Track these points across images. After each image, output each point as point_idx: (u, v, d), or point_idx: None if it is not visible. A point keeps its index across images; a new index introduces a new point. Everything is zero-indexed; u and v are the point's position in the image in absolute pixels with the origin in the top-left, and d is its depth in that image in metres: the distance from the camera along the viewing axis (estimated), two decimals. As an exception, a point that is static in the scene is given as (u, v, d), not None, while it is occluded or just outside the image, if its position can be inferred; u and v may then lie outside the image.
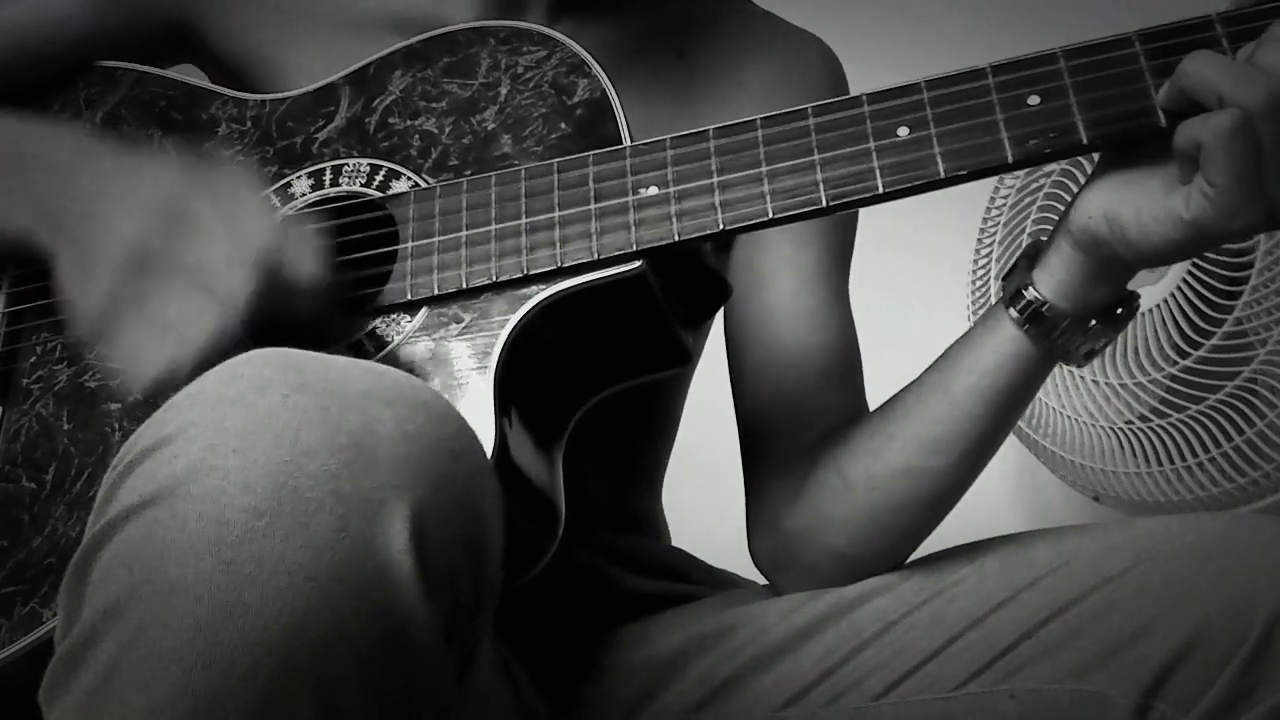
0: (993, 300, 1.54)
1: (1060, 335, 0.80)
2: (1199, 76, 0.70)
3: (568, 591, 0.92)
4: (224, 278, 0.73)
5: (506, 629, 0.84)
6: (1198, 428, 1.34)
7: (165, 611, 0.55)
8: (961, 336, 0.86)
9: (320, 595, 0.55)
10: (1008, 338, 0.82)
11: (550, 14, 0.96)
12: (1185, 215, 0.71)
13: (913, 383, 0.88)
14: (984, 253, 1.58)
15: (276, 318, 0.74)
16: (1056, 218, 1.43)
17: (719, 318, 1.00)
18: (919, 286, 1.76)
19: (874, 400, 0.96)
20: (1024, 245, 0.85)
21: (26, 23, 0.97)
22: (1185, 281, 1.32)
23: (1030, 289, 0.80)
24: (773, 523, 0.94)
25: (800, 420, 0.95)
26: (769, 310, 0.97)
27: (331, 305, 0.78)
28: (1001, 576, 0.84)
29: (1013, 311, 0.81)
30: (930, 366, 0.87)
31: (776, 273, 0.97)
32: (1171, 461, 1.36)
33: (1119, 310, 0.80)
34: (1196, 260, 1.31)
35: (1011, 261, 0.85)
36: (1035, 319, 0.80)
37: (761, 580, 0.98)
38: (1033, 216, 1.50)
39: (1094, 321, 0.80)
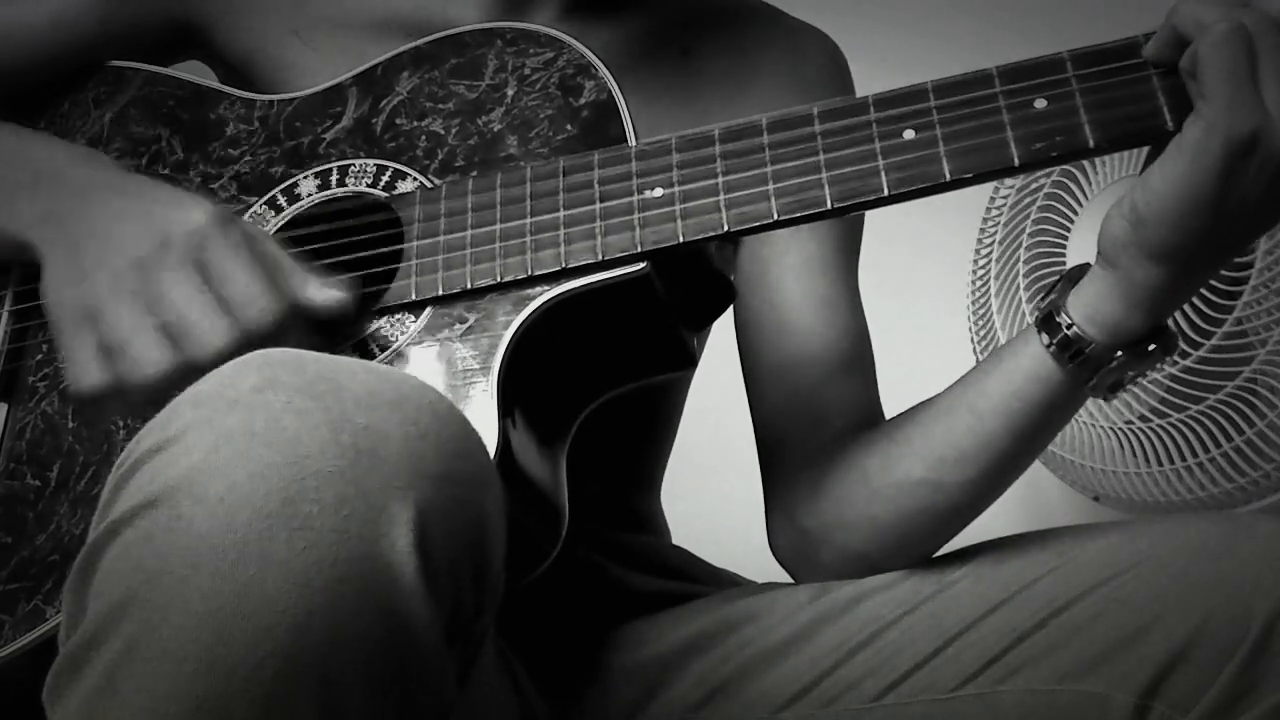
0: (993, 301, 1.55)
1: (1085, 362, 0.78)
2: (1190, 14, 0.70)
3: (569, 589, 0.91)
4: (249, 303, 0.74)
5: (507, 627, 0.84)
6: (1198, 428, 1.34)
7: (169, 613, 0.55)
8: (993, 353, 0.85)
9: (324, 596, 0.55)
10: (1035, 358, 0.81)
11: (558, 15, 0.96)
12: (1182, 140, 0.70)
13: (939, 394, 0.87)
14: (984, 253, 1.58)
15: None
16: (1057, 218, 1.46)
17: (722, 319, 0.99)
18: (919, 286, 1.76)
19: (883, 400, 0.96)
20: (1068, 268, 0.82)
21: (35, 23, 0.97)
22: (1185, 281, 1.32)
23: (1062, 313, 0.79)
24: (792, 517, 0.93)
25: (815, 412, 0.94)
26: (779, 301, 0.97)
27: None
28: (999, 578, 0.84)
29: (1043, 335, 0.80)
30: (959, 380, 0.86)
31: (785, 264, 0.97)
32: (1171, 461, 1.36)
33: (1151, 346, 0.78)
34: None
35: (1053, 280, 0.82)
36: (1063, 343, 0.79)
37: (762, 579, 0.98)
38: (1033, 216, 1.50)
39: (1120, 353, 0.78)
